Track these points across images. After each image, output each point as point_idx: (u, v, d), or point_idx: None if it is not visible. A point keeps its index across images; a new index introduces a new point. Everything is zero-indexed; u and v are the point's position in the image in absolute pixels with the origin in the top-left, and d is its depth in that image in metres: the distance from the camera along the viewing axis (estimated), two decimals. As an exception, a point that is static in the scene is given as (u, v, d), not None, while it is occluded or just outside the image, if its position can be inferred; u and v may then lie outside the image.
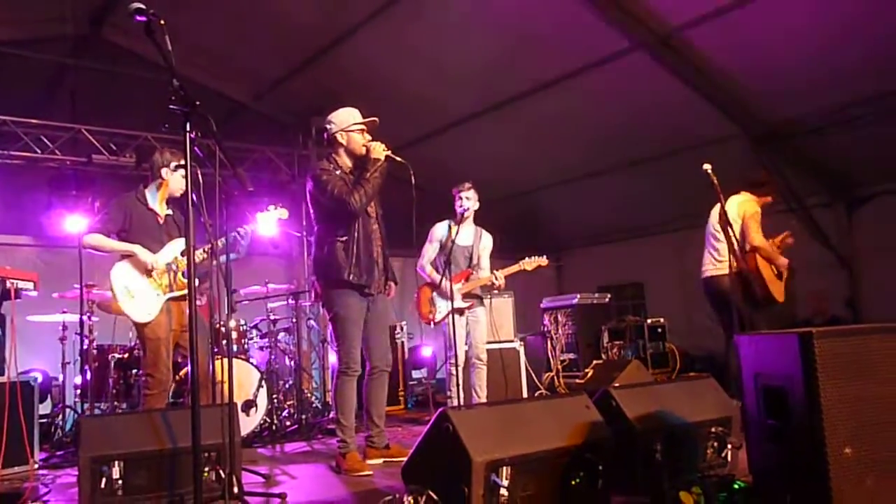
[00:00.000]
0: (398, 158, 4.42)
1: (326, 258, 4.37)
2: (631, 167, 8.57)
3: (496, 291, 6.38)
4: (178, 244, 4.52)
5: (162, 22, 2.69)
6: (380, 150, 4.38)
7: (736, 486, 3.02)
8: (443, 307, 5.65)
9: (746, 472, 3.00)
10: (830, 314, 7.96)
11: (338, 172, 4.40)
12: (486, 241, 5.89)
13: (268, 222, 4.85)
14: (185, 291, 4.39)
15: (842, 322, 7.73)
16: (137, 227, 4.45)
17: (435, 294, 5.70)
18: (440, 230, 5.81)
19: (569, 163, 8.96)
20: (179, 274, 4.43)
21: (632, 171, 8.63)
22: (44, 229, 7.48)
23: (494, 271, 5.66)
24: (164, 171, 4.54)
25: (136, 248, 4.36)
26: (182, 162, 4.47)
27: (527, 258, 5.82)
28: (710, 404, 3.61)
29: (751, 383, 2.89)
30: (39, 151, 7.29)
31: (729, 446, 3.47)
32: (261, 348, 6.73)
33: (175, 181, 4.53)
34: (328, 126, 4.51)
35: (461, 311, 5.61)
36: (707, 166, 4.94)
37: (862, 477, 2.54)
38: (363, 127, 4.47)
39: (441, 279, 5.49)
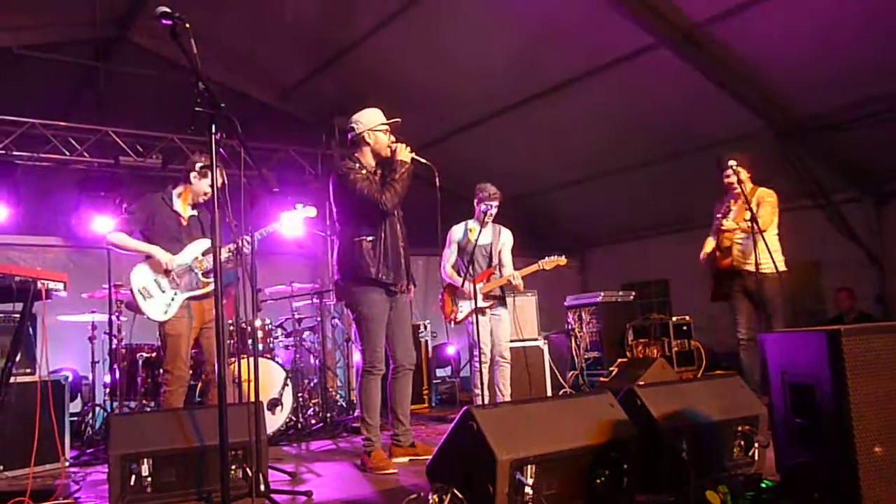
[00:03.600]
0: (423, 160, 4.43)
1: (354, 257, 4.38)
2: (655, 164, 8.50)
3: (516, 292, 6.35)
4: (199, 245, 4.57)
5: (187, 25, 2.72)
6: (406, 153, 4.40)
7: (763, 485, 2.99)
8: (465, 307, 5.70)
9: (774, 471, 2.97)
10: (859, 311, 7.85)
11: (364, 172, 4.42)
12: (506, 238, 5.89)
13: (294, 221, 4.87)
14: (207, 290, 4.47)
15: (872, 319, 7.62)
16: (159, 228, 4.54)
17: (456, 295, 5.76)
18: (457, 232, 5.84)
19: (592, 160, 8.92)
20: (200, 274, 4.48)
21: (656, 168, 8.56)
22: (73, 230, 7.58)
23: (513, 272, 5.66)
24: (191, 176, 4.62)
25: (154, 249, 4.44)
26: (206, 163, 4.55)
27: (546, 257, 5.82)
28: (736, 402, 3.58)
29: (777, 381, 2.87)
30: (68, 153, 7.40)
31: (756, 445, 3.44)
32: (286, 347, 6.79)
33: (198, 186, 4.59)
34: (354, 126, 4.51)
35: (482, 311, 5.62)
36: (732, 162, 4.91)
37: (893, 476, 2.51)
38: (388, 127, 4.49)
39: (463, 281, 5.53)
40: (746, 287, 5.44)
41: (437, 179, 4.32)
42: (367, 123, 4.47)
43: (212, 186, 2.96)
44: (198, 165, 4.59)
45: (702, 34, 6.51)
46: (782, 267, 5.26)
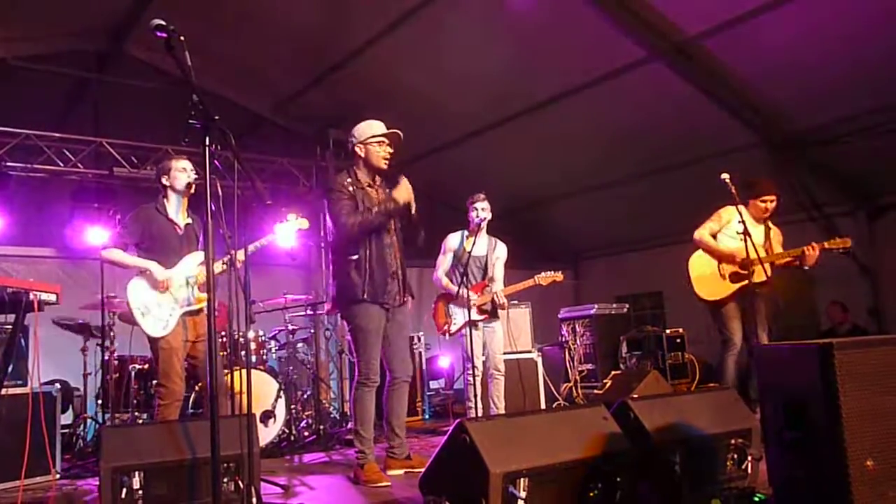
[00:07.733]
0: (413, 212, 4.41)
1: (341, 279, 4.40)
2: (649, 176, 8.55)
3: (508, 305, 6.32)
4: (194, 259, 4.54)
5: (182, 38, 2.73)
6: (403, 194, 4.35)
7: (756, 499, 3.00)
8: (458, 319, 5.68)
9: (767, 485, 2.97)
10: (852, 324, 7.87)
11: (351, 189, 4.40)
12: (500, 251, 5.89)
13: (287, 232, 4.86)
14: (202, 306, 4.45)
15: (865, 332, 7.65)
16: (156, 239, 4.49)
17: (451, 305, 5.75)
18: (453, 240, 5.83)
19: (587, 172, 8.96)
20: (195, 288, 4.46)
21: (650, 180, 8.61)
22: (66, 241, 7.58)
23: (497, 291, 5.65)
24: (162, 179, 4.58)
25: (151, 265, 4.40)
26: (175, 167, 4.55)
27: (543, 273, 5.83)
28: (729, 415, 3.58)
29: (770, 394, 2.87)
30: (62, 164, 7.40)
31: (749, 458, 3.44)
32: (279, 359, 6.77)
33: (177, 184, 4.55)
34: (350, 139, 4.53)
35: (476, 324, 5.62)
36: (725, 176, 4.92)
37: (884, 490, 2.51)
38: (382, 139, 4.46)
39: (458, 290, 5.51)
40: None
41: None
42: (359, 136, 4.47)
43: (206, 198, 2.94)
44: (165, 164, 4.58)
45: (696, 48, 6.56)
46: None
